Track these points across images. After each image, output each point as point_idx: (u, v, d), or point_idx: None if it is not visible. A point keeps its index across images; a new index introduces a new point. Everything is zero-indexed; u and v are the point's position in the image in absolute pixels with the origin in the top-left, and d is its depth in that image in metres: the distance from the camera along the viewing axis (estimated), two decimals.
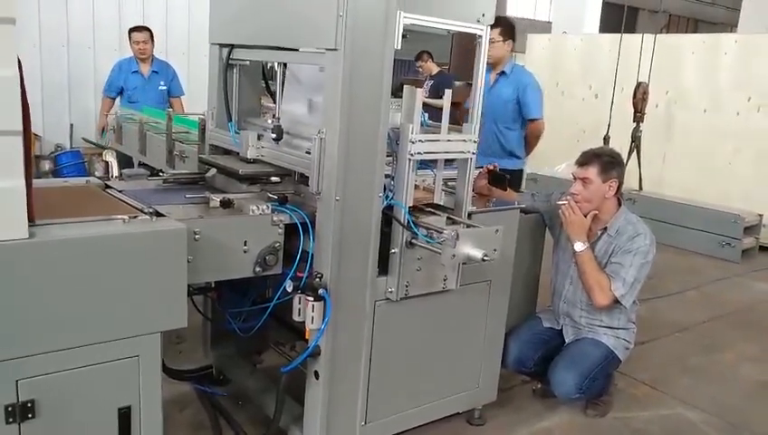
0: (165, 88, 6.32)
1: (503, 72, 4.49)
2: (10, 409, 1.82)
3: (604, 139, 7.18)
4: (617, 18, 7.74)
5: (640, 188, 7.42)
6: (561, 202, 3.14)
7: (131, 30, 6.23)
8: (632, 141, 7.24)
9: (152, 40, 6.19)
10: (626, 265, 3.07)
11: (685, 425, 3.35)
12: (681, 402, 3.55)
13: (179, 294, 2.07)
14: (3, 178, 1.72)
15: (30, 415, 1.86)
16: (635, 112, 7.25)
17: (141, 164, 4.63)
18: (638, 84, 7.18)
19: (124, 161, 4.98)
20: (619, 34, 7.63)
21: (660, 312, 4.88)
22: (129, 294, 1.97)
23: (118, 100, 6.24)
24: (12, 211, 1.75)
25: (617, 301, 3.08)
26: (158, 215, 2.17)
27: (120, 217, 2.06)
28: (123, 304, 1.96)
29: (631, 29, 11.13)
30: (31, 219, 1.81)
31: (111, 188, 2.58)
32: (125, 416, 2.04)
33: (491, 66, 4.43)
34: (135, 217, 2.09)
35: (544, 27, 15.91)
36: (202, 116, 3.31)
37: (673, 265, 6.11)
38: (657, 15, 11.14)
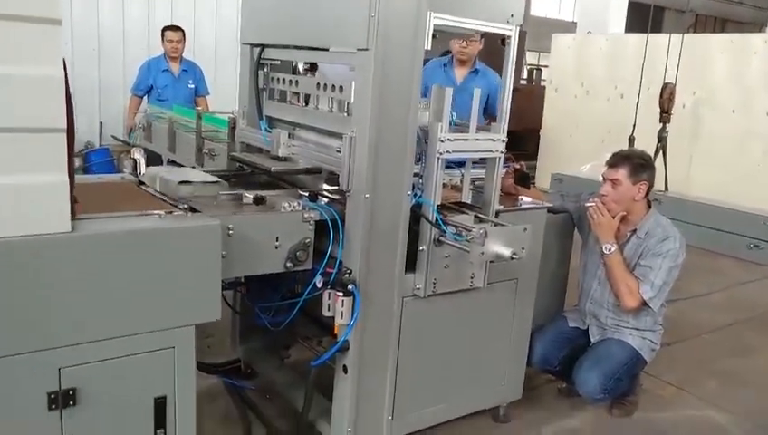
0: (193, 87, 6.43)
1: (475, 70, 4.52)
2: (53, 396, 1.88)
3: (629, 139, 7.15)
4: (643, 18, 7.68)
5: (666, 188, 7.36)
6: (589, 203, 3.14)
7: (165, 28, 6.35)
8: (658, 142, 7.19)
9: (184, 39, 6.30)
10: (655, 268, 3.07)
11: (713, 427, 3.33)
12: (709, 404, 3.53)
13: (213, 288, 2.12)
14: (48, 174, 1.78)
15: (71, 402, 1.92)
16: (661, 113, 7.19)
17: (170, 161, 4.71)
18: (665, 85, 7.13)
19: (153, 159, 5.09)
20: (645, 34, 7.58)
21: (687, 313, 4.84)
22: (165, 287, 2.02)
23: (145, 98, 6.36)
24: (56, 205, 1.81)
25: (645, 304, 3.07)
26: (193, 210, 2.22)
27: (156, 212, 2.12)
28: (160, 296, 2.02)
29: (657, 28, 11.05)
30: (73, 214, 1.87)
31: (145, 184, 2.64)
32: (161, 405, 2.10)
33: (460, 63, 4.48)
34: (170, 212, 2.15)
35: (569, 27, 15.81)
36: (231, 115, 3.38)
37: (699, 266, 6.05)
38: (684, 15, 11.04)
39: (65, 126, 1.79)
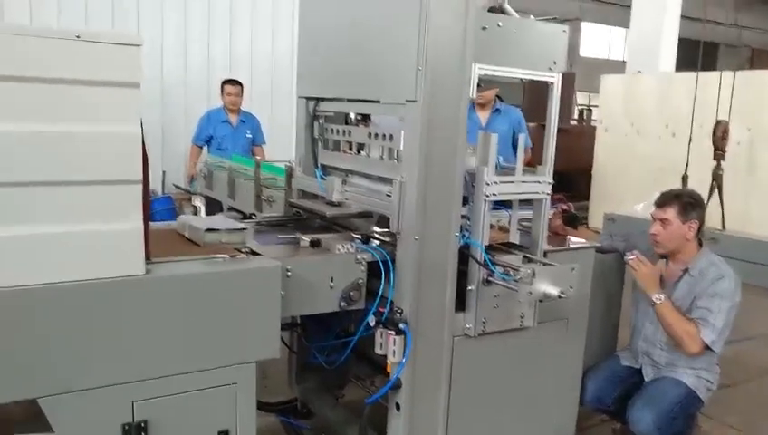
0: (250, 137, 6.73)
1: (497, 110, 4.70)
2: (126, 427, 2.03)
3: (683, 178, 7.08)
4: (695, 54, 7.66)
5: (723, 227, 7.22)
6: (628, 257, 3.13)
7: (225, 82, 6.69)
8: (713, 180, 7.11)
9: (242, 92, 6.63)
10: (714, 310, 3.04)
11: None
12: None
13: (273, 327, 2.25)
14: (125, 221, 1.96)
15: (143, 434, 2.06)
16: (715, 150, 7.12)
17: (230, 208, 4.94)
18: (718, 122, 7.07)
19: (213, 206, 5.34)
20: (696, 72, 7.56)
21: (748, 354, 4.72)
22: (229, 325, 2.16)
23: (205, 148, 6.68)
24: (132, 250, 1.99)
25: (707, 347, 3.05)
26: (254, 253, 2.38)
27: (220, 256, 2.28)
28: (224, 334, 2.16)
29: (711, 64, 10.94)
30: (147, 257, 2.05)
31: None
32: None
33: (480, 106, 4.67)
34: (234, 256, 2.31)
35: (619, 67, 15.80)
36: (288, 163, 3.56)
37: (759, 305, 5.88)
38: (739, 50, 10.91)
39: (141, 177, 1.98)
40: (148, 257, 2.05)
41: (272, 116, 8.37)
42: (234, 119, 6.67)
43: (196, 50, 8.26)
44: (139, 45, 1.89)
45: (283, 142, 7.77)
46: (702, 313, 3.05)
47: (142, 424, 2.05)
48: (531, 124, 8.75)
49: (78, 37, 1.81)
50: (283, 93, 8.61)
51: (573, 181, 9.73)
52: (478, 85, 2.55)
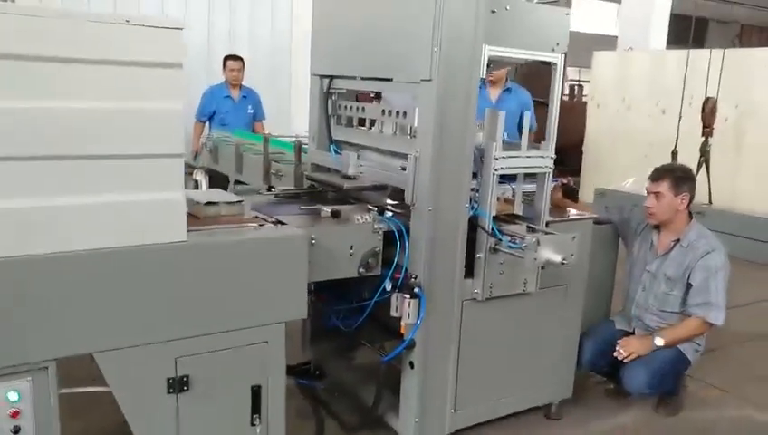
0: (252, 112, 6.85)
1: (507, 89, 4.83)
2: (170, 381, 2.22)
3: (672, 153, 7.29)
4: (685, 29, 7.81)
5: (710, 202, 7.46)
6: (615, 353, 3.31)
7: (227, 57, 6.78)
8: (701, 156, 7.32)
9: (243, 68, 6.73)
10: (712, 289, 3.29)
11: (756, 426, 3.50)
12: (752, 405, 3.69)
13: (301, 290, 2.43)
14: (170, 191, 2.12)
15: (185, 388, 2.25)
16: (703, 127, 7.33)
17: (237, 182, 5.09)
18: (707, 99, 7.27)
19: (219, 179, 5.49)
20: (686, 50, 7.74)
21: (732, 322, 4.87)
22: (261, 288, 2.34)
23: (207, 123, 6.79)
24: (174, 218, 2.16)
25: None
26: (280, 223, 2.55)
27: (250, 224, 2.45)
28: (257, 296, 2.34)
29: (701, 40, 11.09)
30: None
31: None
32: (256, 393, 2.42)
33: (491, 83, 4.78)
34: (262, 225, 2.48)
35: (609, 41, 15.90)
36: (296, 138, 3.73)
37: (745, 276, 6.12)
38: (728, 26, 11.07)
39: (183, 151, 2.14)
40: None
41: (271, 93, 8.45)
42: (236, 94, 6.78)
43: (197, 29, 8.28)
44: (181, 29, 2.04)
45: (281, 118, 7.90)
46: (703, 296, 3.30)
47: (184, 378, 2.24)
48: None
49: (128, 21, 1.96)
50: (281, 71, 8.69)
51: (564, 156, 9.87)
52: (488, 66, 2.72)
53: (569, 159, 10.33)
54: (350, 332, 3.16)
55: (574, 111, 11.10)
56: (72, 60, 1.91)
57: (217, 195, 2.70)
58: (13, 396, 1.97)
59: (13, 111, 1.84)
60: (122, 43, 1.97)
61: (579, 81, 15.77)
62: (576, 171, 10.08)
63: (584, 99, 13.07)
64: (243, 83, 6.94)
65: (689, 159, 6.13)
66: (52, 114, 1.90)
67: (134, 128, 2.04)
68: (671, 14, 11.16)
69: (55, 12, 1.93)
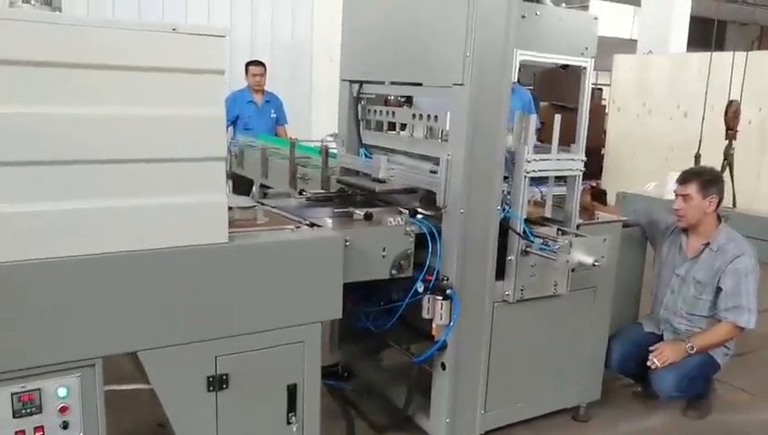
0: (275, 116, 6.93)
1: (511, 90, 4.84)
2: (211, 379, 2.27)
3: (695, 157, 7.26)
4: (705, 32, 7.78)
5: (734, 205, 7.41)
6: (648, 362, 3.31)
7: (249, 63, 6.87)
8: (724, 159, 7.28)
9: (265, 73, 6.81)
10: (743, 292, 3.29)
11: None
12: None
13: (336, 290, 2.48)
14: (212, 194, 2.18)
15: (224, 386, 2.30)
16: (727, 130, 7.28)
17: (262, 186, 5.15)
18: (730, 102, 7.23)
19: (243, 184, 5.56)
20: (708, 53, 7.71)
21: (760, 326, 4.90)
22: (298, 289, 2.39)
23: (230, 128, 6.87)
24: (217, 220, 2.21)
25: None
26: (316, 226, 2.60)
27: (287, 227, 2.50)
28: (294, 297, 2.39)
29: (720, 43, 11.02)
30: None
31: (266, 205, 3.03)
32: (292, 392, 2.46)
33: None
34: (298, 227, 2.53)
35: (628, 45, 15.85)
36: (323, 142, 3.78)
37: None
38: (748, 28, 10.99)
39: (225, 155, 2.20)
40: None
41: (291, 97, 8.54)
42: (259, 99, 6.86)
43: None
44: (224, 36, 2.10)
45: (302, 123, 7.98)
46: (734, 300, 3.30)
47: (224, 377, 2.29)
48: (543, 103, 8.98)
49: (174, 30, 2.01)
50: (302, 76, 8.78)
51: (585, 160, 9.91)
52: (519, 70, 2.75)
53: (588, 162, 10.32)
54: (378, 333, 3.20)
55: (593, 114, 11.02)
56: (122, 67, 1.97)
57: (232, 200, 2.68)
58: (62, 392, 2.03)
59: (69, 118, 1.91)
60: (169, 50, 2.03)
61: (597, 84, 15.72)
62: (595, 175, 10.05)
63: (603, 102, 13.03)
64: (265, 88, 7.03)
65: (712, 162, 6.08)
66: (102, 120, 1.96)
67: (179, 132, 2.09)
68: (690, 16, 11.13)
69: (104, 22, 1.98)
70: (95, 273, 2.02)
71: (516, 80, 4.98)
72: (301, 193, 3.26)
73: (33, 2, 2.02)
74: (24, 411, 1.98)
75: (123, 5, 7.61)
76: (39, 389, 2.00)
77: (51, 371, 2.01)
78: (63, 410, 2.04)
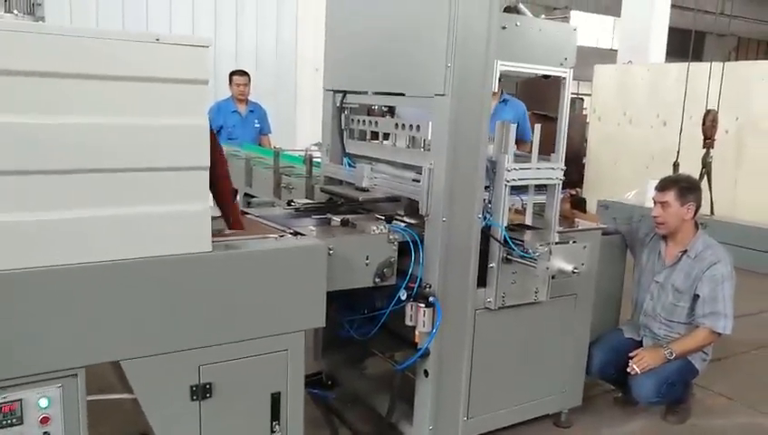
0: (258, 126, 6.94)
1: (504, 100, 4.94)
2: (194, 388, 2.27)
3: (674, 165, 7.37)
4: (684, 42, 7.92)
5: (712, 212, 7.53)
6: (628, 368, 3.34)
7: (233, 73, 6.88)
8: (703, 167, 7.40)
9: (250, 83, 6.82)
10: (719, 299, 3.35)
11: (763, 433, 3.54)
12: (759, 413, 3.74)
13: (320, 299, 2.49)
14: (195, 202, 2.19)
15: (208, 395, 2.30)
16: (704, 139, 7.41)
17: (246, 195, 5.15)
18: (707, 112, 7.36)
19: None
20: (686, 63, 7.84)
21: (737, 332, 4.94)
22: (282, 297, 2.40)
23: None
24: (199, 229, 2.22)
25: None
26: (298, 234, 2.61)
27: (271, 235, 2.52)
28: (278, 305, 2.40)
29: (698, 53, 11.22)
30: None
31: (249, 214, 3.04)
32: (276, 400, 2.47)
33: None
34: (282, 235, 2.54)
35: (608, 55, 16.06)
36: (307, 152, 3.80)
37: (748, 287, 6.15)
38: (725, 39, 11.19)
39: (208, 164, 2.20)
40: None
41: (276, 108, 8.56)
42: (243, 108, 6.87)
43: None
44: (207, 47, 2.12)
45: (286, 132, 7.99)
46: (711, 307, 3.36)
47: (207, 386, 2.30)
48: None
49: (157, 40, 2.03)
50: (286, 86, 8.80)
51: (564, 169, 10.01)
52: (499, 80, 2.79)
53: (568, 171, 10.39)
54: (361, 341, 3.21)
55: (573, 124, 11.19)
56: (105, 77, 1.98)
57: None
58: (43, 402, 2.02)
59: (48, 127, 1.91)
60: (153, 60, 2.04)
61: (577, 93, 15.90)
62: (576, 183, 10.15)
63: (584, 112, 13.18)
64: (249, 98, 7.05)
65: (690, 170, 6.16)
66: (84, 130, 1.97)
67: (162, 141, 2.10)
68: (669, 27, 11.32)
69: (87, 31, 1.99)
70: (77, 282, 2.01)
71: (507, 91, 5.07)
72: (289, 204, 3.26)
73: (15, 12, 2.03)
74: (4, 423, 1.97)
75: (107, 15, 7.59)
76: (20, 399, 1.99)
77: (32, 381, 2.00)
78: (45, 420, 2.03)
